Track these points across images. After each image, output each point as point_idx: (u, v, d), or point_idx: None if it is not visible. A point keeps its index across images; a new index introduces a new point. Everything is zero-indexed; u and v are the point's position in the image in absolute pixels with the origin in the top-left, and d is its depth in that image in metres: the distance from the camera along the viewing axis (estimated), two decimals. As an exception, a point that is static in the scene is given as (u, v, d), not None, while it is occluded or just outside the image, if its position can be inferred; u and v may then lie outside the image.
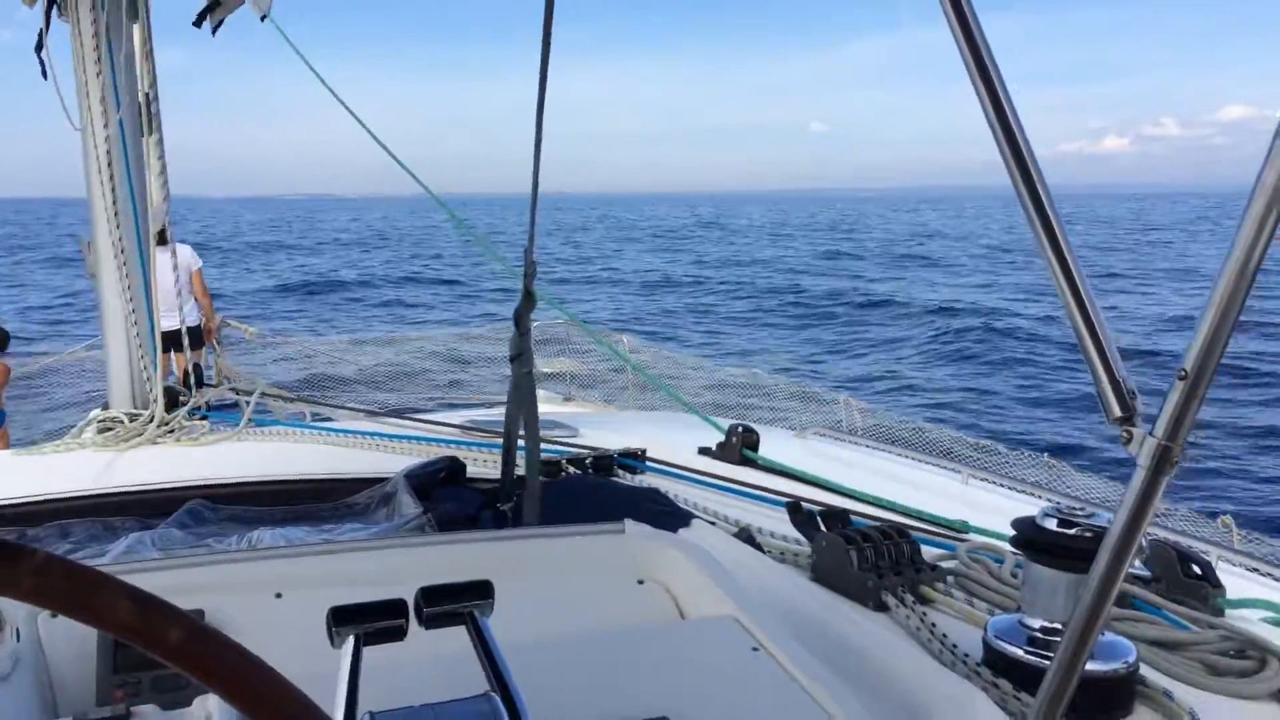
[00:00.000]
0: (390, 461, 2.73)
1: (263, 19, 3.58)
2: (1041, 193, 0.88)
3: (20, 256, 40.87)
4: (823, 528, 1.89)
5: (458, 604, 1.01)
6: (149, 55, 3.52)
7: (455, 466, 2.32)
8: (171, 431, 3.24)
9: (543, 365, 7.29)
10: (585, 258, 45.38)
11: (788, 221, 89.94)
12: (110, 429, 3.29)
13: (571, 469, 2.57)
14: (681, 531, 1.83)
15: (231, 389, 3.71)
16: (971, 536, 2.17)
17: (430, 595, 1.00)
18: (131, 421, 3.30)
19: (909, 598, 1.63)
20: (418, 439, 2.96)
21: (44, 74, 3.44)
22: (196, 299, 8.07)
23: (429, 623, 1.00)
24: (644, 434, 3.08)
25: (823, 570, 1.77)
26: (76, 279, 24.26)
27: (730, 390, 7.82)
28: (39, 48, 3.43)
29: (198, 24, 3.56)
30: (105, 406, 3.59)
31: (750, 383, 7.93)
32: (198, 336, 6.85)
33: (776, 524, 2.15)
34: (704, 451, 2.98)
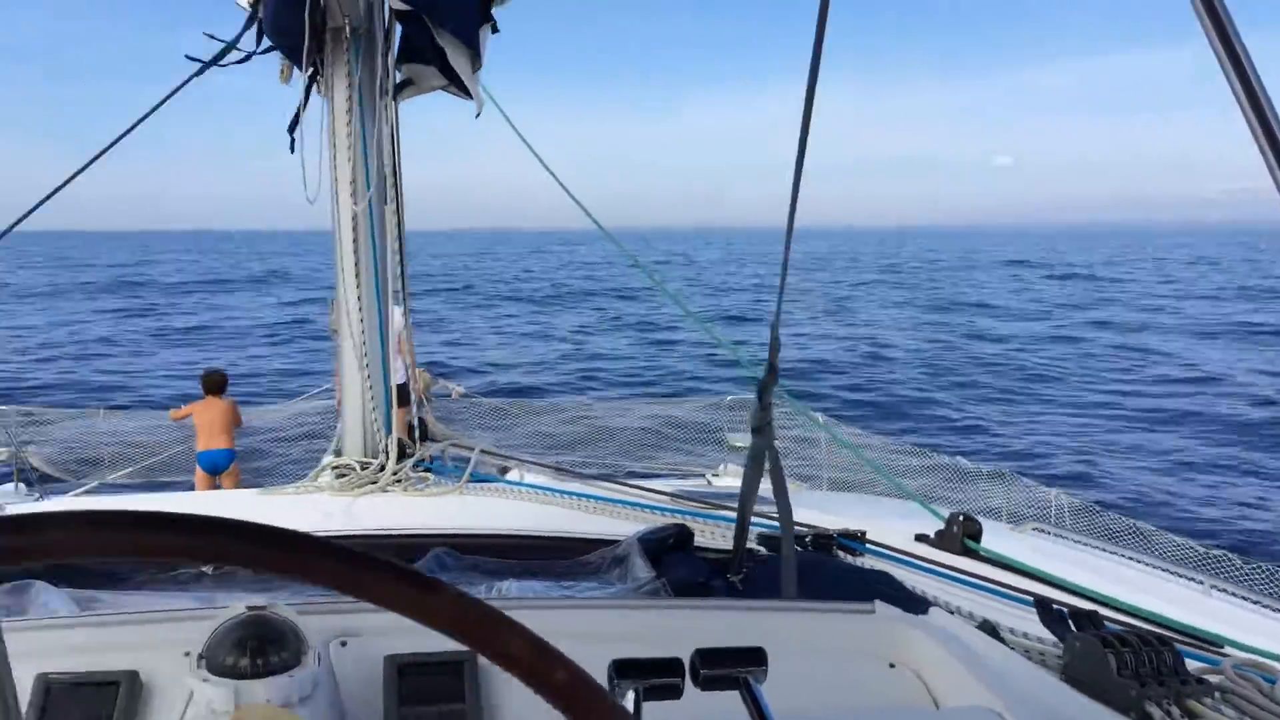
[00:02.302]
0: (609, 524, 2.79)
1: (477, 116, 3.84)
2: None
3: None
4: (1073, 628, 1.80)
5: (734, 668, 1.01)
6: (394, 133, 3.81)
7: (684, 534, 2.34)
8: (399, 481, 3.43)
9: (736, 440, 7.30)
10: (842, 295, 43.46)
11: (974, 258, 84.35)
12: (344, 475, 3.51)
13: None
14: (921, 617, 1.78)
15: (454, 445, 3.89)
16: (1231, 651, 2.01)
17: (707, 657, 1.01)
18: (363, 469, 3.51)
19: (1175, 711, 1.52)
20: (633, 504, 3.01)
21: (291, 148, 3.76)
22: (402, 357, 8.56)
23: (705, 684, 1.00)
24: (856, 515, 3.02)
25: (1076, 672, 1.68)
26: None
27: (924, 473, 7.57)
28: (293, 126, 3.75)
29: (394, 97, 3.83)
30: (338, 453, 3.84)
31: (946, 466, 7.66)
32: (405, 394, 7.25)
33: (1010, 619, 2.06)
34: (921, 538, 2.89)
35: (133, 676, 1.33)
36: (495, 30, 3.79)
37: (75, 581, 2.03)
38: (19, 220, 3.23)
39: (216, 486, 7.88)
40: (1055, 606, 1.96)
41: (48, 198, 3.27)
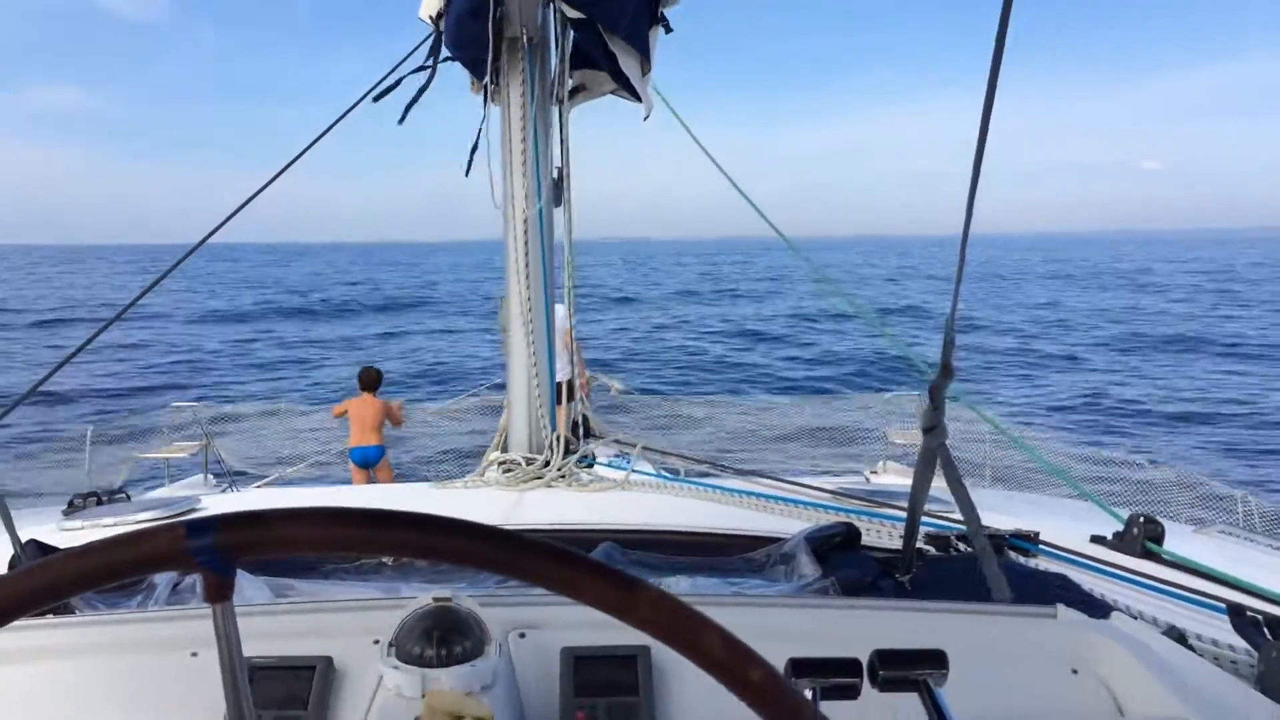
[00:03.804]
0: (772, 521, 2.79)
1: (645, 118, 3.90)
2: None
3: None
4: (1269, 636, 1.70)
5: (914, 670, 1.01)
6: (564, 136, 3.91)
7: (851, 533, 2.33)
8: (563, 476, 3.53)
9: (896, 437, 7.16)
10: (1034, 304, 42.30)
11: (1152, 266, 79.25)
12: (510, 470, 3.64)
13: (962, 546, 2.49)
14: (1105, 622, 1.72)
15: (616, 441, 3.98)
16: None
17: (886, 658, 1.01)
18: (528, 464, 3.64)
19: None
20: (796, 502, 3.00)
21: (467, 171, 3.84)
22: (568, 354, 8.78)
23: (884, 685, 1.01)
24: (1028, 515, 2.92)
25: (1274, 683, 1.59)
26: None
27: (1102, 477, 7.22)
28: (474, 149, 3.83)
29: (563, 101, 3.92)
30: (503, 448, 3.98)
31: (1122, 462, 7.29)
32: (569, 391, 7.45)
33: (1198, 625, 1.96)
34: (1097, 540, 2.77)
35: (327, 661, 1.43)
36: (668, 30, 3.85)
37: (270, 570, 2.16)
38: (209, 234, 3.45)
39: (371, 479, 8.30)
40: (1249, 613, 1.86)
41: (238, 210, 3.46)
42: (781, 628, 1.52)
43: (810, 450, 8.51)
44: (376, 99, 3.68)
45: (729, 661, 0.66)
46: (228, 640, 0.78)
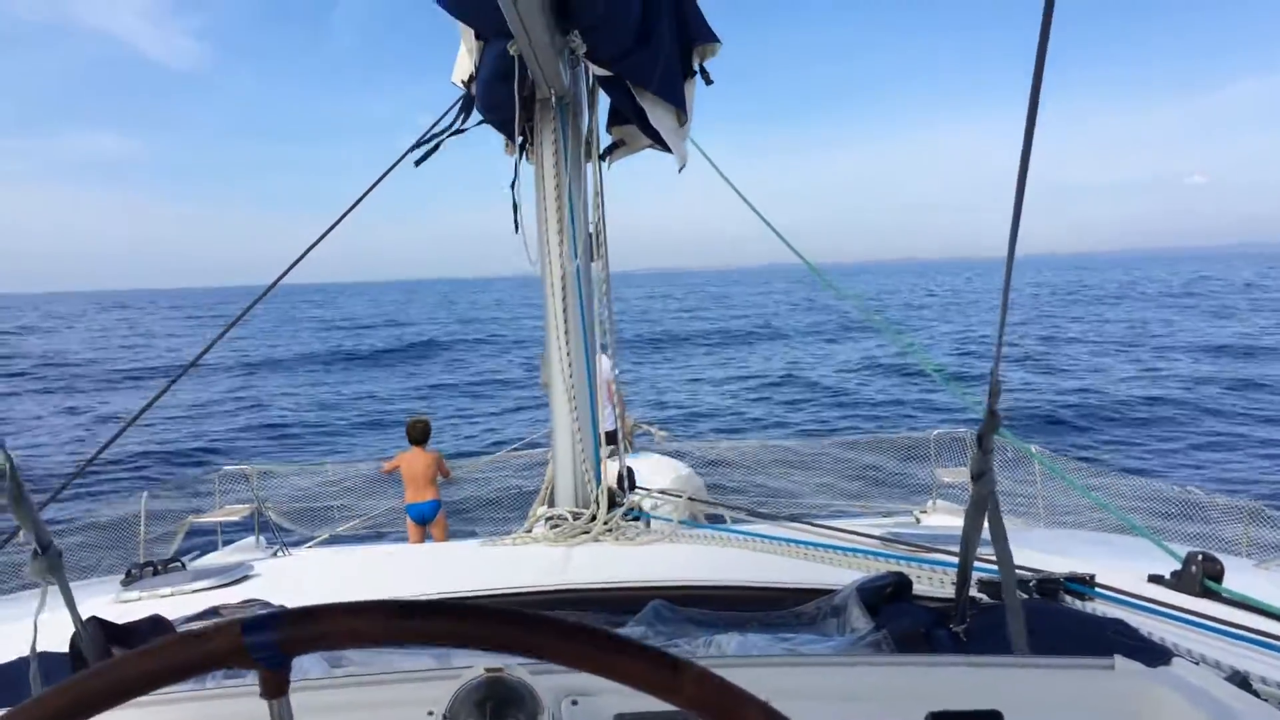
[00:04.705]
0: (822, 572, 2.77)
1: (680, 170, 3.96)
2: None
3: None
4: None
5: None
6: (599, 193, 3.97)
7: (903, 582, 2.30)
8: (610, 530, 3.53)
9: (945, 476, 7.07)
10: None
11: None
12: (558, 525, 3.65)
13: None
14: (1164, 670, 1.68)
15: (661, 492, 3.98)
16: None
17: None
18: (575, 519, 3.65)
19: None
20: (845, 549, 2.98)
21: (516, 228, 3.95)
22: (611, 405, 8.81)
23: None
24: (1082, 555, 2.87)
25: None
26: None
27: (1159, 512, 7.05)
28: (515, 207, 3.95)
29: (603, 158, 3.99)
30: (550, 503, 4.00)
31: (1176, 498, 7.12)
32: (612, 440, 7.46)
33: (1262, 667, 1.91)
34: (1155, 579, 2.72)
35: None
36: (709, 82, 3.90)
37: None
38: (275, 283, 3.58)
39: (427, 536, 8.32)
40: None
41: (298, 260, 3.59)
42: (834, 687, 1.51)
43: (859, 490, 8.43)
44: (418, 163, 3.80)
45: None
46: None
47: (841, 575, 2.65)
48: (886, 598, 2.24)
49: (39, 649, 1.72)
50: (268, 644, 0.67)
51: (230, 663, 0.69)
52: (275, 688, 0.73)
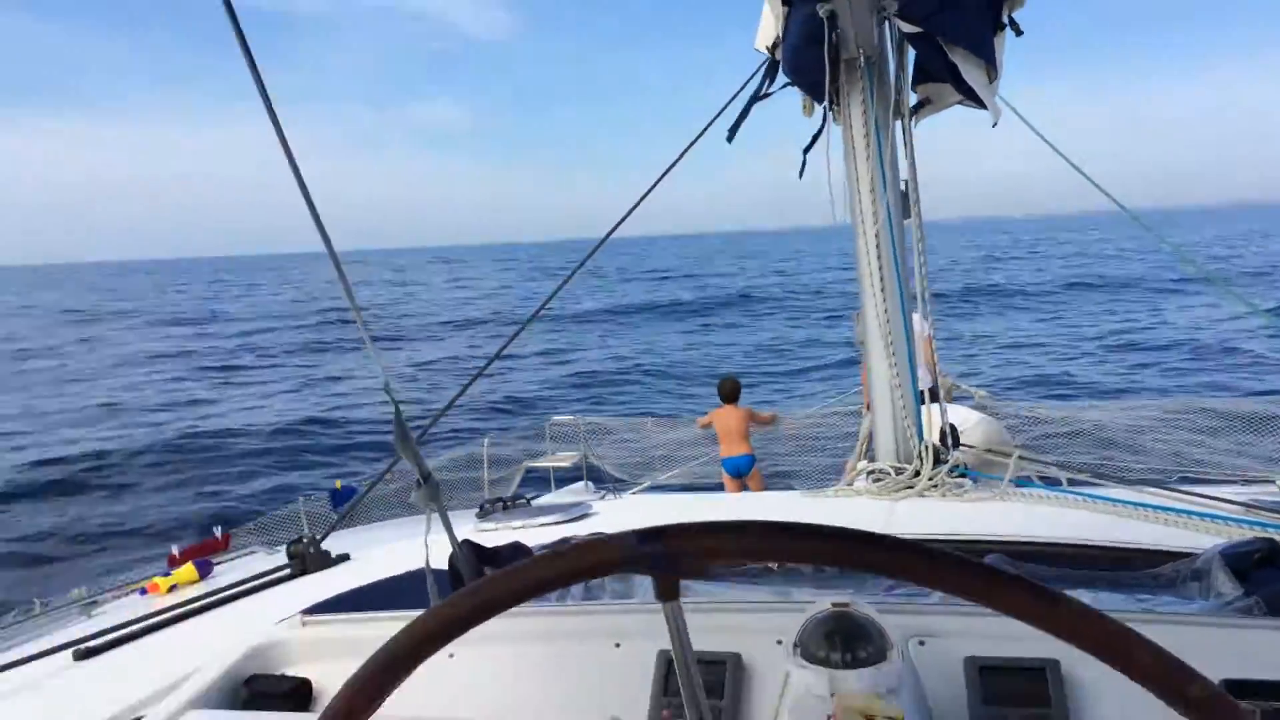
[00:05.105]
0: (1172, 535, 2.58)
1: (994, 125, 3.80)
2: None
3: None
4: None
5: None
6: (909, 148, 3.90)
7: (1274, 548, 2.10)
8: (936, 486, 3.47)
9: None
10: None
11: None
12: (880, 479, 3.65)
13: None
14: None
15: (989, 450, 3.86)
16: None
17: None
18: (898, 474, 3.62)
19: None
20: (1197, 514, 2.75)
21: (801, 173, 4.03)
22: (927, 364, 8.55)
23: None
24: None
25: None
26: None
27: None
28: (808, 148, 4.02)
29: (910, 117, 3.89)
30: (869, 458, 3.99)
31: None
32: (932, 399, 7.23)
33: None
34: None
35: (736, 658, 1.54)
36: (1019, 33, 3.73)
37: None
38: (602, 241, 3.95)
39: (744, 488, 8.51)
40: None
41: (625, 217, 3.99)
42: (1207, 647, 1.42)
43: (1209, 454, 7.64)
44: (730, 137, 3.94)
45: (1165, 675, 0.66)
46: (679, 633, 0.89)
47: (1194, 540, 2.46)
48: (1256, 563, 2.05)
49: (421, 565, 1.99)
50: (661, 553, 0.76)
51: (630, 567, 0.78)
52: (670, 590, 0.82)
